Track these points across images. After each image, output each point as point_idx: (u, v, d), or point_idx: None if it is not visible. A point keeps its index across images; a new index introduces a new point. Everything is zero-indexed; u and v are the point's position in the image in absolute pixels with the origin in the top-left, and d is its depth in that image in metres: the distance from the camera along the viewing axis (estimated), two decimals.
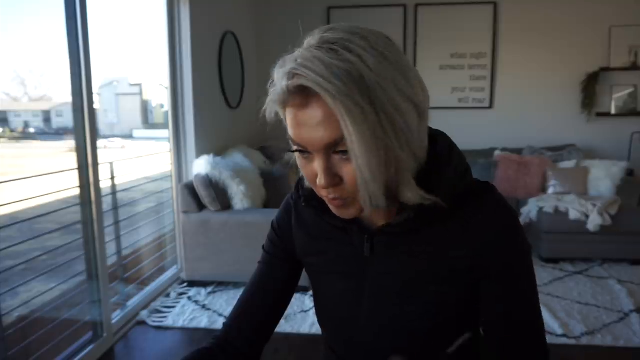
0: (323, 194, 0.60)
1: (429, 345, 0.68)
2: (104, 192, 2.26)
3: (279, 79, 0.54)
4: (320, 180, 0.56)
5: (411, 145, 0.55)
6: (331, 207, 0.61)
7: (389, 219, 0.64)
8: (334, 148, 0.54)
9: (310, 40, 0.55)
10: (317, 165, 0.56)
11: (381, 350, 0.70)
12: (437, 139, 0.63)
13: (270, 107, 0.57)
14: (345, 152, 0.54)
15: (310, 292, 2.76)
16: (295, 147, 0.58)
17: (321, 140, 0.54)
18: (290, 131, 0.57)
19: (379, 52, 0.52)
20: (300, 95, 0.53)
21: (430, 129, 0.63)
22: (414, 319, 0.66)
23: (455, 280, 0.64)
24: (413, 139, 0.55)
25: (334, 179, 0.56)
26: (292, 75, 0.52)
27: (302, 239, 0.76)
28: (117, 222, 2.69)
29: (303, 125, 0.54)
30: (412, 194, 0.58)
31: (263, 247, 0.82)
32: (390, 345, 0.69)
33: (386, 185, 0.56)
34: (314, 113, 0.53)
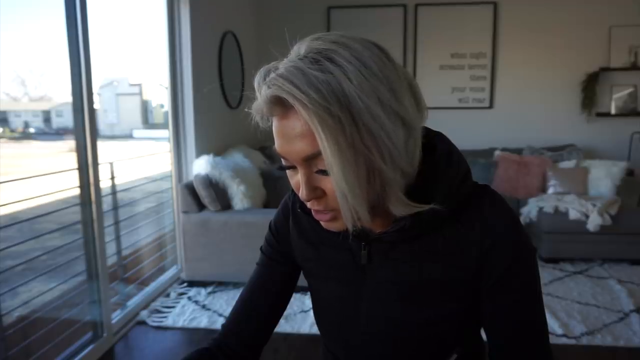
0: (308, 205, 0.59)
1: (427, 353, 0.67)
2: (104, 192, 2.26)
3: (258, 89, 0.53)
4: (302, 192, 0.56)
5: (396, 160, 0.53)
6: (317, 219, 0.60)
7: (387, 226, 0.62)
8: (314, 162, 0.54)
9: (297, 49, 0.54)
10: (299, 177, 0.56)
11: (379, 356, 0.70)
12: (436, 144, 0.62)
13: (255, 116, 0.57)
14: (324, 170, 0.53)
15: None
16: (282, 159, 0.57)
17: (300, 152, 0.53)
18: (275, 141, 0.56)
19: (363, 63, 0.51)
20: (280, 106, 0.52)
21: (428, 130, 0.63)
22: (413, 327, 0.66)
23: (454, 287, 0.63)
24: (398, 154, 0.53)
25: (315, 191, 0.56)
26: (268, 85, 0.51)
27: (300, 243, 0.75)
28: (117, 222, 2.68)
29: (283, 137, 0.54)
30: (402, 208, 0.56)
31: (261, 248, 0.82)
32: (388, 352, 0.69)
33: (370, 200, 0.54)
34: (293, 124, 0.52)
